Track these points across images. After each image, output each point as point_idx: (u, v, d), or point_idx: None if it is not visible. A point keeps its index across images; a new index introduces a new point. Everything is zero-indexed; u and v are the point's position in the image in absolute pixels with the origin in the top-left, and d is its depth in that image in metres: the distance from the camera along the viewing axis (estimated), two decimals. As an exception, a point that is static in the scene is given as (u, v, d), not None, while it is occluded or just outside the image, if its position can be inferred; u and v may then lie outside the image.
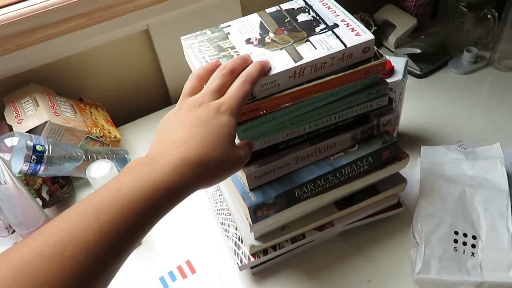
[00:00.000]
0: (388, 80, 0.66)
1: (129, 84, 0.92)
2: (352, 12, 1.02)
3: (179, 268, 0.64)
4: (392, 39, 0.96)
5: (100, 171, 0.64)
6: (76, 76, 0.86)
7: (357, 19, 1.03)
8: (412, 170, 0.69)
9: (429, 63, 0.91)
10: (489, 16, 0.89)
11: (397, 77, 0.66)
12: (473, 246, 0.57)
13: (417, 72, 0.90)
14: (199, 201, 0.72)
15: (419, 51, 0.88)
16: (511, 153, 0.72)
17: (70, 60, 0.83)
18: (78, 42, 0.79)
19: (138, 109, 0.93)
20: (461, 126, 0.79)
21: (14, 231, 0.72)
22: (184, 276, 0.62)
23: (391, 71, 0.67)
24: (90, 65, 0.86)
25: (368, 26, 0.97)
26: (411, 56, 0.90)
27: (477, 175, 0.64)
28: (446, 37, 0.93)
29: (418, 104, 0.85)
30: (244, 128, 0.48)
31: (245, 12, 0.91)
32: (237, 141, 0.50)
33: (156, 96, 0.96)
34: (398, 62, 0.68)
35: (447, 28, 0.95)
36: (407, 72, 0.91)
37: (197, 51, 0.50)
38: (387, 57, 0.67)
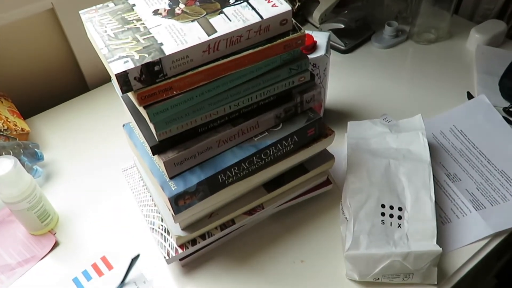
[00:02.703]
0: (311, 56, 0.64)
1: (37, 70, 0.83)
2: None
3: (94, 266, 0.59)
4: (316, 15, 0.95)
5: (1, 169, 0.56)
6: (-29, 63, 0.76)
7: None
8: (340, 146, 0.69)
9: (353, 38, 0.91)
10: (407, -10, 0.90)
11: (320, 52, 0.65)
12: (400, 217, 0.57)
13: (342, 47, 0.90)
14: (120, 192, 0.67)
15: (343, 26, 0.88)
16: (432, 123, 0.74)
17: (-39, 44, 0.73)
18: (-32, 23, 0.70)
19: (50, 97, 0.85)
20: (385, 99, 0.80)
21: None
22: (100, 274, 0.58)
23: (314, 47, 0.65)
24: (-11, 50, 0.76)
25: (292, 1, 0.95)
26: (336, 32, 0.90)
27: (401, 147, 0.65)
28: (368, 12, 0.93)
29: (344, 80, 0.85)
30: (156, 110, 0.44)
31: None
32: (151, 126, 0.46)
33: (70, 82, 0.87)
34: (321, 37, 0.66)
35: (369, 3, 0.95)
36: (332, 47, 0.91)
37: (97, 25, 0.45)
38: (309, 32, 0.66)
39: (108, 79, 0.86)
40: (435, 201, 0.60)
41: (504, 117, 0.73)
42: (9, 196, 0.58)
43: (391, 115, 0.76)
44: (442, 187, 0.65)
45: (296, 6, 0.95)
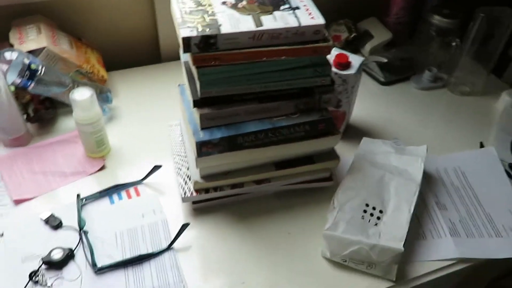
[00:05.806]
0: (343, 72, 0.76)
1: (125, 35, 1.01)
2: (339, 17, 1.12)
3: (127, 191, 0.74)
4: (367, 47, 1.07)
5: (82, 95, 0.73)
6: (79, 18, 0.95)
7: (342, 24, 1.13)
8: (352, 156, 0.80)
9: (394, 73, 1.02)
10: (453, 43, 0.99)
11: (351, 71, 0.76)
12: (378, 218, 0.67)
13: (381, 79, 1.01)
14: (162, 142, 0.82)
15: (386, 60, 0.99)
16: (440, 159, 0.82)
17: (76, 1, 0.92)
18: (87, -14, 0.89)
19: (129, 59, 1.03)
20: (405, 129, 0.90)
21: (-4, 135, 0.81)
22: (129, 197, 0.73)
23: (348, 65, 0.77)
24: (93, 10, 0.95)
25: (349, 31, 1.08)
26: (380, 65, 1.01)
27: (400, 166, 0.75)
28: (413, 55, 1.04)
29: (374, 106, 0.95)
30: (204, 72, 0.58)
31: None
32: (197, 84, 0.60)
33: (147, 52, 1.05)
34: (355, 59, 0.78)
35: (417, 48, 1.06)
36: (373, 77, 1.02)
37: (180, 3, 0.60)
38: (347, 53, 0.78)
39: (178, 57, 1.03)
40: (417, 217, 0.69)
41: (506, 171, 0.81)
42: (81, 118, 0.74)
43: (404, 142, 0.85)
44: (428, 210, 0.74)
45: (352, 36, 1.08)
